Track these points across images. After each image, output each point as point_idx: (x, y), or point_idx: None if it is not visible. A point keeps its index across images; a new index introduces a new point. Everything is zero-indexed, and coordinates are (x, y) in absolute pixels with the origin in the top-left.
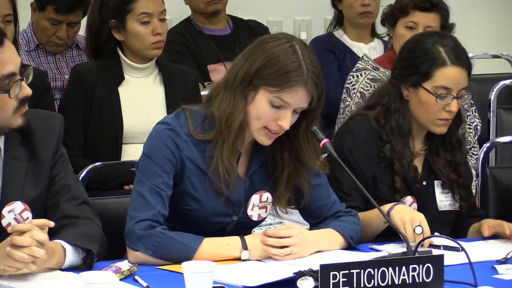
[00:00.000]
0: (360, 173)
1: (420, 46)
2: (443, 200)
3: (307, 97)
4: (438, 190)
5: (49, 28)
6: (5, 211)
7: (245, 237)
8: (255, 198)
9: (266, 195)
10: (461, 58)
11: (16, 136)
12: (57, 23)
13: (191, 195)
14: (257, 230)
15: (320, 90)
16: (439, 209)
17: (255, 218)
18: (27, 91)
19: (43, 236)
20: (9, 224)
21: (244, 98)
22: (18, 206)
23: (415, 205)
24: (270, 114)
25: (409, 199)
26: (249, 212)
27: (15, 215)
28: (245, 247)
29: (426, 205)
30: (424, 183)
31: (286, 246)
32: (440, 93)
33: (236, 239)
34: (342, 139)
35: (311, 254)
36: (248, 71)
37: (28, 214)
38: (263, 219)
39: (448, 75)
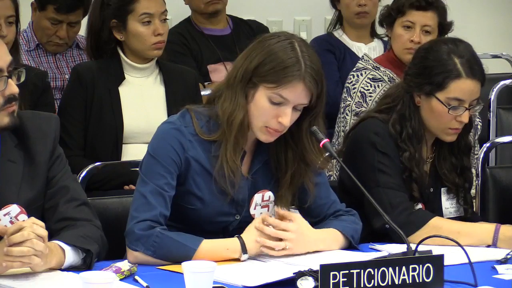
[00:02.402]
0: (400, 164)
1: (435, 56)
2: (449, 208)
3: (306, 93)
4: (444, 198)
5: (50, 27)
6: (0, 214)
7: (244, 238)
8: (257, 197)
9: (268, 194)
10: (476, 71)
11: (11, 138)
12: (58, 23)
13: (195, 195)
14: None
15: (320, 87)
16: (444, 217)
17: (257, 217)
18: (14, 89)
19: (42, 230)
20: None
21: (244, 96)
22: (14, 209)
23: None
24: (270, 111)
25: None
26: (252, 211)
27: (11, 218)
28: (244, 251)
29: (433, 212)
30: (432, 189)
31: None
32: (453, 105)
33: (235, 242)
34: (365, 139)
35: (312, 253)
36: (247, 69)
37: (24, 217)
38: None
39: (462, 87)
